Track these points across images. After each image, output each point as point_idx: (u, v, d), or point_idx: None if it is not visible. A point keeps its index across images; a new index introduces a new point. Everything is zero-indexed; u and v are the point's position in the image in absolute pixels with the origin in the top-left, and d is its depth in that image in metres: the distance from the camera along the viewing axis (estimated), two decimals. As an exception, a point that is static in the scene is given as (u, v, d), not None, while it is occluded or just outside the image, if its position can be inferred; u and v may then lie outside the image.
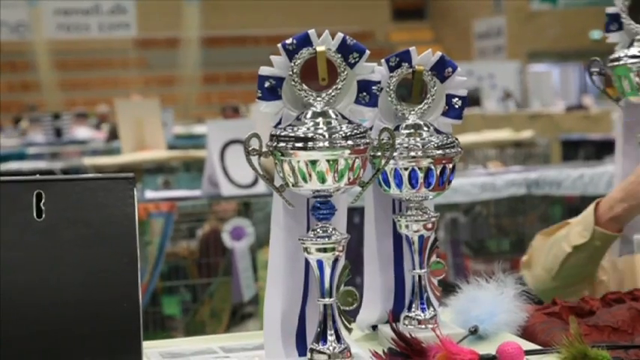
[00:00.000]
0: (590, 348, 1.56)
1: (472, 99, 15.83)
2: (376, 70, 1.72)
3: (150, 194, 5.05)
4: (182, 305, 5.02)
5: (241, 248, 4.73)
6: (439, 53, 1.85)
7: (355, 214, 2.65)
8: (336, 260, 1.64)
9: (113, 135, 10.63)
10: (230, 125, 5.56)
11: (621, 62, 2.08)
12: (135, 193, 1.57)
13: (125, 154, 7.49)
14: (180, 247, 5.34)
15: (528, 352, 1.67)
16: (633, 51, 2.08)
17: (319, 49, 1.64)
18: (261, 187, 4.69)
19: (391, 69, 1.82)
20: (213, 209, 5.05)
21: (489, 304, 1.82)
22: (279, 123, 1.66)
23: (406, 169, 1.78)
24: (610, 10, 2.14)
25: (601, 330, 1.83)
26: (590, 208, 2.28)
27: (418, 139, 1.79)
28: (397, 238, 1.88)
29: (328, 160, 1.58)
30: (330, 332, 1.63)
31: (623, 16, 2.11)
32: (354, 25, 20.23)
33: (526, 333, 1.83)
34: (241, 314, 4.88)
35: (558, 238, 2.34)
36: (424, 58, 1.83)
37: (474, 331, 1.80)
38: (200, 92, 22.74)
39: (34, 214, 1.50)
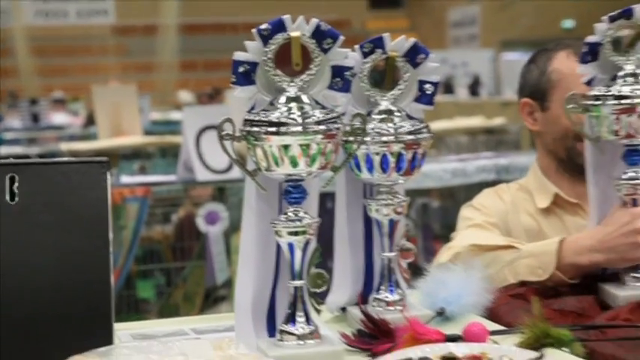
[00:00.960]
0: (552, 328, 1.58)
1: (446, 87, 15.87)
2: (350, 56, 1.72)
3: (125, 179, 5.03)
4: (156, 289, 5.02)
5: (215, 233, 4.74)
6: (412, 40, 1.85)
7: (328, 199, 2.65)
8: (306, 243, 1.64)
9: (90, 121, 10.58)
10: (205, 111, 5.55)
11: (600, 102, 1.95)
12: (108, 177, 1.57)
13: (102, 139, 7.47)
14: (155, 231, 5.35)
15: (493, 333, 1.69)
16: (615, 89, 1.94)
17: (293, 34, 1.64)
18: (236, 172, 4.69)
19: (365, 55, 1.82)
20: (188, 194, 5.04)
21: (456, 287, 1.84)
22: (253, 108, 1.66)
23: (377, 154, 1.79)
24: (590, 39, 1.99)
25: (566, 315, 1.85)
26: (552, 246, 2.06)
27: (390, 124, 1.79)
28: (367, 221, 1.89)
29: (301, 145, 1.59)
30: (300, 314, 1.63)
31: (607, 46, 1.96)
32: (331, 13, 20.20)
33: (491, 314, 1.84)
34: (214, 297, 4.89)
35: (498, 262, 2.10)
36: (397, 44, 1.84)
37: (441, 313, 1.81)
38: (178, 79, 22.66)
39: (7, 197, 1.49)
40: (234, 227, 4.61)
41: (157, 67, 22.91)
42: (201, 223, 4.75)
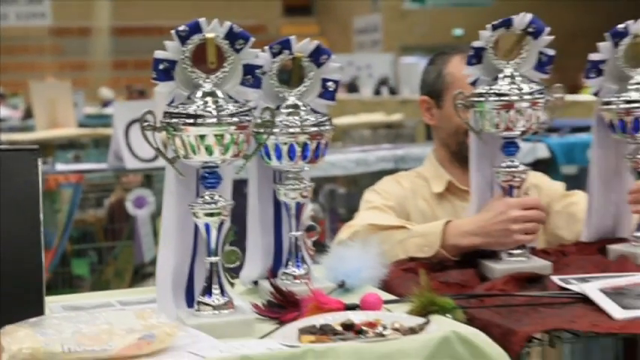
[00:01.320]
0: (437, 297, 1.60)
1: (352, 86, 15.92)
2: (260, 56, 1.72)
3: (60, 167, 4.96)
4: (90, 266, 4.99)
5: (143, 216, 4.73)
6: (316, 42, 1.86)
7: (244, 185, 2.65)
8: (221, 224, 1.64)
9: (28, 114, 10.36)
10: (134, 106, 5.49)
11: (483, 99, 1.98)
12: (39, 163, 1.54)
13: (39, 131, 7.33)
14: (89, 214, 5.32)
15: (387, 302, 1.70)
16: (496, 88, 1.97)
17: (208, 35, 1.63)
18: (162, 161, 4.62)
19: (274, 55, 1.83)
20: (119, 181, 5.01)
21: (355, 262, 1.85)
22: (173, 101, 1.65)
23: (285, 143, 1.79)
24: (476, 43, 2.01)
25: (450, 286, 1.88)
26: (438, 227, 2.08)
27: (296, 117, 1.80)
28: (277, 204, 1.89)
29: (215, 135, 1.58)
30: (215, 287, 1.63)
31: (489, 51, 1.99)
32: (249, 19, 20.10)
33: (386, 286, 1.86)
34: (142, 274, 4.85)
35: (391, 240, 2.10)
36: (303, 46, 1.84)
37: (341, 285, 1.82)
38: (110, 77, 22.32)
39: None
40: (160, 211, 4.56)
41: (90, 65, 22.54)
42: (130, 207, 4.75)
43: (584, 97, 6.19)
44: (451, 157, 2.51)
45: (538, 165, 4.66)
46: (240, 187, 1.90)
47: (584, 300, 1.70)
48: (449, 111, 2.42)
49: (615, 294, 1.69)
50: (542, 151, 4.86)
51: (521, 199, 2.03)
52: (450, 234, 2.08)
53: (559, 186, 2.53)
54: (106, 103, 13.21)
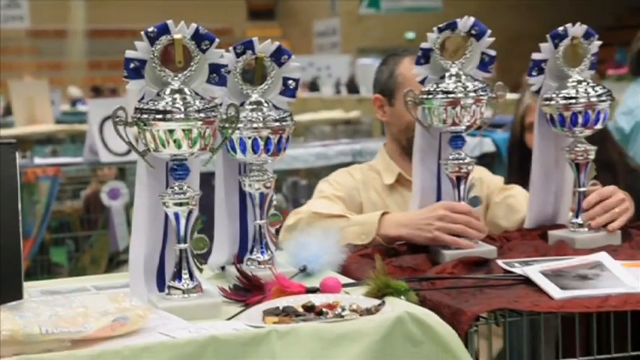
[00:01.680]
0: (392, 280, 1.60)
1: (312, 86, 15.91)
2: (225, 56, 1.71)
3: (38, 160, 4.92)
4: (67, 254, 4.95)
5: (117, 206, 4.71)
6: (277, 43, 1.85)
7: (213, 177, 2.63)
8: (190, 212, 1.63)
9: (8, 111, 10.22)
10: (107, 103, 5.45)
11: (431, 96, 1.98)
12: (17, 156, 1.51)
13: (18, 127, 7.24)
14: (66, 205, 5.27)
15: (345, 285, 1.70)
16: (443, 86, 1.97)
17: (176, 36, 1.62)
18: (135, 154, 4.61)
19: (237, 55, 1.82)
20: (95, 174, 4.98)
21: (316, 248, 1.84)
22: (143, 98, 1.64)
23: (249, 137, 1.78)
24: (424, 45, 2.02)
25: (403, 270, 1.88)
26: (375, 217, 2.09)
27: (259, 113, 1.79)
28: (242, 194, 1.88)
29: (183, 130, 1.57)
30: (185, 272, 1.62)
31: (436, 52, 2.00)
32: (216, 23, 19.99)
33: (344, 270, 1.86)
34: (117, 261, 4.82)
35: (332, 228, 2.00)
36: (265, 46, 1.83)
37: (303, 270, 1.81)
38: (85, 76, 22.10)
39: None
40: (133, 202, 4.55)
41: (66, 65, 22.32)
42: (105, 198, 4.74)
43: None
44: (401, 151, 2.51)
45: (484, 158, 4.70)
46: (208, 180, 1.89)
47: (527, 282, 1.71)
48: (400, 108, 2.43)
49: (554, 276, 1.70)
50: (488, 146, 4.90)
51: (454, 202, 2.02)
52: (383, 224, 2.08)
53: (498, 180, 2.56)
54: (74, 102, 13.05)
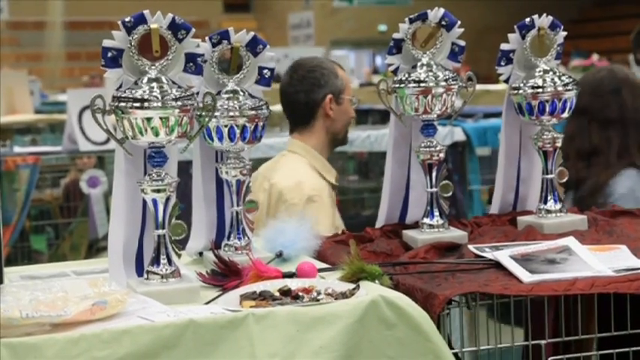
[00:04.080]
0: (366, 265, 1.59)
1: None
2: (201, 46, 1.69)
3: (18, 149, 4.88)
4: (47, 241, 4.92)
5: (96, 194, 4.70)
6: (252, 33, 1.84)
7: (191, 166, 2.62)
8: (167, 199, 1.61)
9: (-13, 101, 10.08)
10: (87, 93, 5.40)
11: (403, 85, 1.97)
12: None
13: (-1, 117, 7.15)
14: (46, 194, 5.25)
15: (320, 270, 1.69)
16: (414, 76, 1.96)
17: (153, 26, 1.60)
18: (114, 143, 4.58)
19: (213, 45, 1.80)
20: (75, 163, 4.95)
21: (292, 234, 1.83)
22: (121, 87, 1.62)
23: (226, 126, 1.77)
24: (396, 35, 2.01)
25: (377, 255, 1.87)
26: None
27: (236, 102, 1.78)
28: (219, 182, 1.87)
29: (161, 118, 1.56)
30: (163, 257, 1.60)
31: (407, 42, 1.98)
32: (192, 15, 19.85)
33: (320, 256, 1.84)
34: (97, 248, 4.79)
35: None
36: (240, 36, 1.82)
37: (279, 255, 1.80)
38: (64, 67, 21.91)
39: None
40: (112, 190, 4.53)
41: (45, 57, 22.12)
42: (84, 187, 4.72)
43: (495, 86, 6.26)
44: (330, 144, 2.86)
45: (455, 147, 4.70)
46: (186, 168, 1.88)
47: (497, 266, 1.71)
48: (346, 106, 2.86)
49: (524, 260, 1.70)
50: (458, 135, 4.90)
51: None
52: None
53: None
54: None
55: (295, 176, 2.77)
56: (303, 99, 2.85)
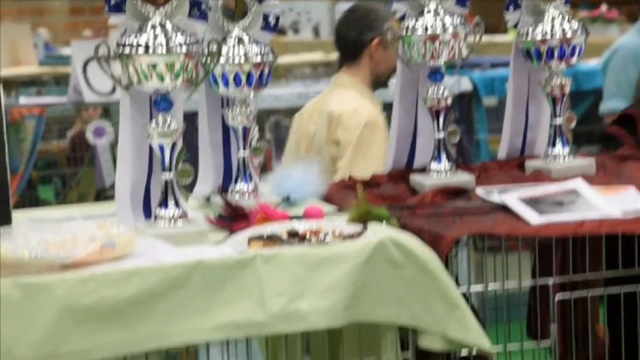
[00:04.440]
0: (373, 207, 1.59)
1: (293, 29, 15.74)
2: (206, -8, 1.68)
3: (23, 100, 4.88)
4: (55, 191, 4.96)
5: (103, 144, 4.69)
6: (256, -20, 1.82)
7: (197, 117, 2.63)
8: (174, 144, 1.62)
9: (-9, 55, 10.06)
10: (91, 44, 5.37)
11: (410, 32, 1.96)
12: (1, 95, 1.49)
13: (2, 69, 7.13)
14: (52, 145, 5.27)
15: (328, 213, 1.70)
16: (420, 23, 1.95)
17: (157, -30, 1.59)
18: (119, 94, 4.58)
19: (218, -9, 1.79)
20: (81, 114, 4.96)
21: (299, 178, 1.83)
22: (125, 33, 1.61)
23: (231, 72, 1.76)
24: None
25: (384, 198, 1.87)
26: None
27: (241, 48, 1.77)
28: (225, 128, 1.87)
29: (166, 63, 1.56)
30: (171, 200, 1.61)
31: None
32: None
33: (327, 200, 1.85)
34: (104, 197, 4.81)
35: None
36: (245, -17, 1.80)
37: (286, 199, 1.80)
38: (67, 22, 21.81)
39: None
40: (118, 139, 4.54)
41: (48, 11, 22.02)
42: (90, 137, 4.71)
43: (503, 36, 6.21)
44: (372, 84, 3.01)
45: (462, 97, 4.68)
46: (192, 119, 1.88)
47: (504, 209, 1.71)
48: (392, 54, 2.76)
49: (531, 202, 1.71)
50: (465, 84, 4.88)
51: None
52: None
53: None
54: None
55: (352, 104, 2.94)
56: (353, 37, 3.02)
